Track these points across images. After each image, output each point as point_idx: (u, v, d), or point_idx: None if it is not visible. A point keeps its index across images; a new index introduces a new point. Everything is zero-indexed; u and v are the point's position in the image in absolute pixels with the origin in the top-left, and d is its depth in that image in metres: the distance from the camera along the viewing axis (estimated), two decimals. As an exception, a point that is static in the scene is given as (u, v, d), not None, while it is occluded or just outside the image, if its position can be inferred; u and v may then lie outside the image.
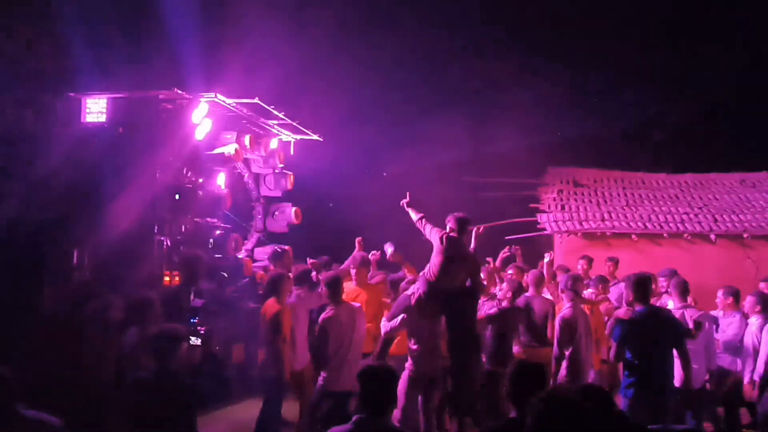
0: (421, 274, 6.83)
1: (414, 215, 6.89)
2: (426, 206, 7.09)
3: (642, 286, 6.10)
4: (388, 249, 8.83)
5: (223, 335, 8.89)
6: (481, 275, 7.18)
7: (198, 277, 7.81)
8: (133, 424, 4.86)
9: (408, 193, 6.98)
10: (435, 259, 6.62)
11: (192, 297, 7.97)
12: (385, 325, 6.85)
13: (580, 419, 3.08)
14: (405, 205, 6.98)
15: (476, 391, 6.81)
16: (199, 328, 7.92)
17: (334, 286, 6.78)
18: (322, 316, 6.73)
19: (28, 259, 8.48)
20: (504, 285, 7.74)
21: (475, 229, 7.07)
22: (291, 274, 7.66)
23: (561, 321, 6.86)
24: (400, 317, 6.71)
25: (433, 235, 6.68)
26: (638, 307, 6.05)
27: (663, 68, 18.84)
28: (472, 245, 6.98)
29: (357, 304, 6.97)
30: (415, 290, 6.71)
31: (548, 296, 8.07)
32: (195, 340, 7.68)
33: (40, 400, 4.33)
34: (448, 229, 6.72)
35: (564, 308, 6.99)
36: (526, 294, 7.88)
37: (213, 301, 8.26)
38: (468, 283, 6.72)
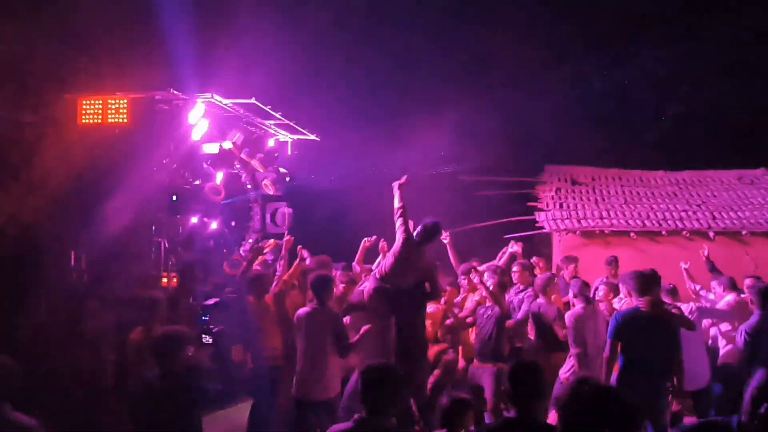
0: (373, 271, 6.69)
1: (397, 202, 6.56)
2: (421, 205, 7.02)
3: (643, 281, 6.02)
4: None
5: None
6: (439, 283, 6.94)
7: (197, 280, 7.79)
8: (137, 425, 4.84)
9: (406, 176, 6.67)
10: (389, 259, 6.49)
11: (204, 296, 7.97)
12: None
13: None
14: (396, 186, 6.65)
15: (424, 396, 6.51)
16: (211, 326, 7.89)
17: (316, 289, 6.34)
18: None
19: (25, 260, 8.46)
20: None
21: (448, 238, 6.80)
22: None
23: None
24: (346, 319, 6.47)
25: (398, 233, 6.48)
26: (636, 303, 5.97)
27: (661, 64, 18.83)
28: (450, 254, 6.73)
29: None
30: (365, 288, 6.57)
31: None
32: (206, 339, 7.65)
33: (32, 404, 4.31)
34: (414, 234, 6.53)
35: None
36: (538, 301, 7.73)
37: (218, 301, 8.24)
38: (426, 286, 6.54)
